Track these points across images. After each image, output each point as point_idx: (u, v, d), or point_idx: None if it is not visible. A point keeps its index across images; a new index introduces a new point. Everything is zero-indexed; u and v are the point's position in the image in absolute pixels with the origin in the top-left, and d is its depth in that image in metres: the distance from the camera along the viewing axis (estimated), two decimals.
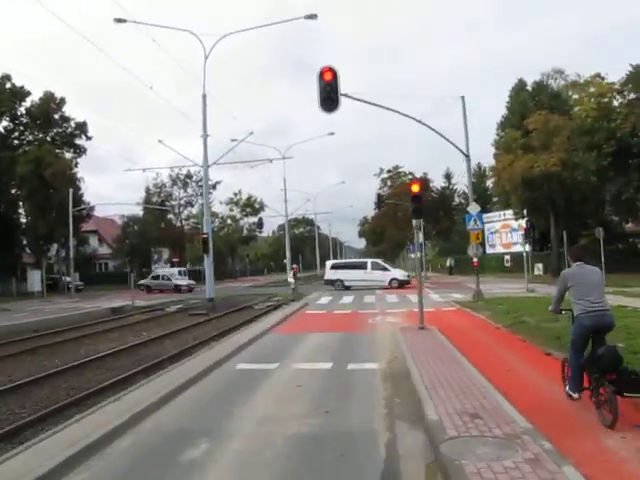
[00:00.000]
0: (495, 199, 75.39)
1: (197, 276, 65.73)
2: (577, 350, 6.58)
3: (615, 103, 40.86)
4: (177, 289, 43.79)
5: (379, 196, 49.70)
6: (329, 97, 15.97)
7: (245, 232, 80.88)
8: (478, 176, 76.56)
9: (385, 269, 39.22)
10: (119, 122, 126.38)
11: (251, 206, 78.56)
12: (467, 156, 24.42)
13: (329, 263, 42.15)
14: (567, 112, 44.26)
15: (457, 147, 23.36)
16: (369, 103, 19.53)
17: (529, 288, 28.76)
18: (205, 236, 24.51)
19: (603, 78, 44.97)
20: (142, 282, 46.31)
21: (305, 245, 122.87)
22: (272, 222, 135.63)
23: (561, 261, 37.97)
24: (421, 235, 58.51)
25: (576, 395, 6.60)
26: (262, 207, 76.98)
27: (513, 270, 50.51)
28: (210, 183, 52.06)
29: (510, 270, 50.63)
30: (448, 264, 55.00)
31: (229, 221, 76.09)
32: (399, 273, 41.00)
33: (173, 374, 9.23)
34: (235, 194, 77.36)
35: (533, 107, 48.20)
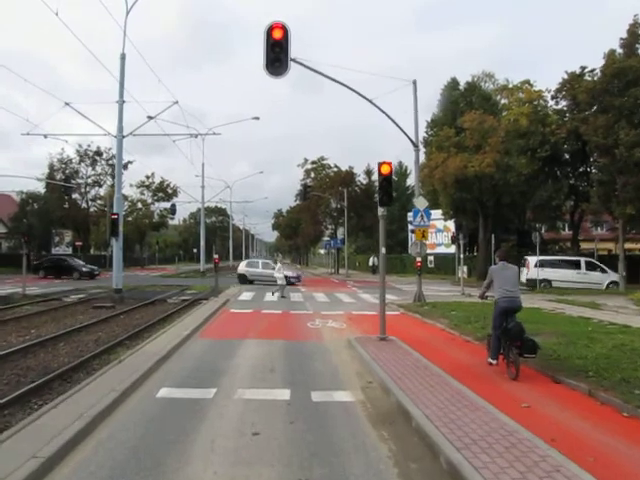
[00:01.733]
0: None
1: (101, 262, 60.79)
2: (496, 326, 9.04)
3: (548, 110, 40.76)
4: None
5: (305, 186, 47.22)
6: (277, 58, 13.35)
7: (156, 218, 75.92)
8: (399, 174, 76.10)
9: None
10: (20, 92, 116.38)
11: (164, 191, 73.64)
12: (416, 145, 22.36)
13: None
14: (496, 115, 43.82)
15: (407, 135, 21.22)
16: (319, 73, 16.85)
17: (464, 292, 27.42)
18: (115, 217, 20.97)
19: (532, 85, 45.14)
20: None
21: (216, 236, 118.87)
22: (183, 209, 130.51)
23: (487, 264, 37.05)
24: (343, 231, 57.17)
25: (494, 361, 9.10)
26: (175, 192, 72.42)
27: (436, 271, 49.75)
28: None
29: (433, 271, 49.79)
30: (371, 262, 53.20)
31: (139, 205, 70.88)
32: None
33: (58, 414, 6.00)
34: (147, 177, 72.20)
35: (465, 107, 47.56)
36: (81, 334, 12.73)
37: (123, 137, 22.10)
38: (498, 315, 9.01)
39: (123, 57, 21.75)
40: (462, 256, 30.40)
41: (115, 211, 21.36)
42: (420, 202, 21.44)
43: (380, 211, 12.05)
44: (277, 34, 13.24)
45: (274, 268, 27.35)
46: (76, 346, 11.09)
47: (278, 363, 9.67)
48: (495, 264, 9.82)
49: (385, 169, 11.78)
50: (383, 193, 11.77)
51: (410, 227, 21.98)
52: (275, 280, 25.50)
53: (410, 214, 59.71)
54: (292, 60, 13.95)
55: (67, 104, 22.61)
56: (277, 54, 13.33)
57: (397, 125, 20.87)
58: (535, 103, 43.52)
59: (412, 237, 55.56)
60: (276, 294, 24.33)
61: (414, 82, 22.67)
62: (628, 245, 49.75)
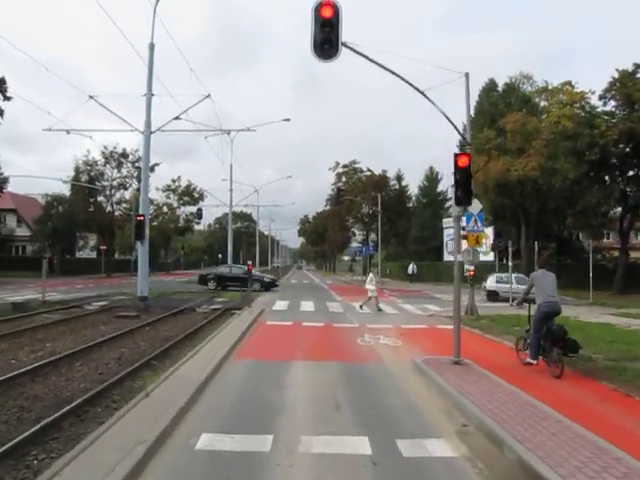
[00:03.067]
0: (449, 204, 72.88)
1: (125, 267, 59.59)
2: (537, 328, 9.70)
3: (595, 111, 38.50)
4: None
5: (339, 190, 45.38)
6: (327, 39, 11.46)
7: (182, 222, 74.77)
8: (430, 180, 73.93)
9: None
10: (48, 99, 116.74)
11: (190, 194, 72.51)
12: (468, 143, 20.34)
13: None
14: (537, 117, 41.67)
15: (459, 132, 19.18)
16: (371, 60, 15.01)
17: (512, 303, 25.28)
18: (141, 218, 19.31)
19: (573, 86, 42.88)
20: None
21: (242, 241, 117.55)
22: (209, 214, 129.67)
23: (529, 273, 34.80)
24: (374, 237, 55.12)
25: (535, 361, 9.76)
26: (201, 196, 71.13)
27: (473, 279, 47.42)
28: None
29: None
30: (410, 270, 50.47)
31: (165, 209, 69.79)
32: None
33: None
34: (173, 180, 71.16)
35: (504, 109, 45.47)
36: (102, 350, 11.00)
37: (151, 133, 20.50)
38: (540, 319, 9.70)
39: (152, 47, 20.20)
40: (511, 264, 28.11)
41: (141, 212, 19.73)
42: (474, 205, 19.41)
43: (455, 211, 10.20)
44: (327, 12, 11.41)
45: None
46: (95, 366, 9.35)
47: (341, 395, 7.82)
48: (535, 271, 10.34)
49: (463, 161, 9.92)
50: (461, 190, 9.86)
51: (467, 228, 19.90)
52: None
53: (445, 220, 57.89)
54: (343, 44, 12.20)
55: (91, 97, 21.07)
56: (327, 34, 11.48)
57: (449, 120, 18.96)
58: (577, 105, 41.56)
59: (449, 244, 53.67)
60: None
61: (466, 75, 20.49)
62: None
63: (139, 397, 6.78)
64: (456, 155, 10.10)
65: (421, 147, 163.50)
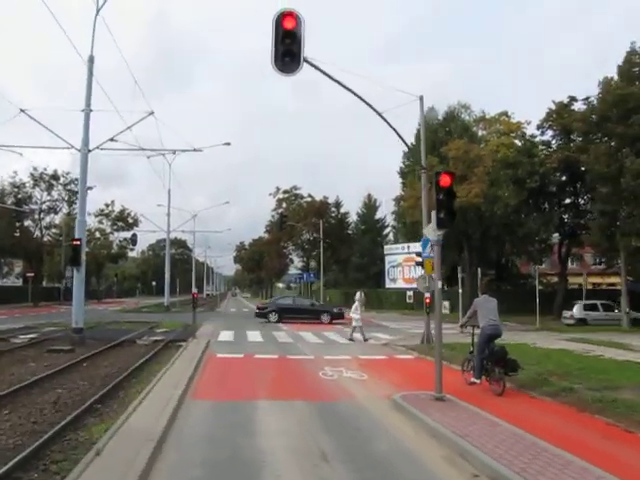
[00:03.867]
0: (387, 231, 73.29)
1: (54, 295, 56.29)
2: (481, 350, 10.33)
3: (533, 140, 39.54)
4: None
5: (282, 215, 44.43)
6: (289, 51, 10.70)
7: (115, 248, 71.75)
8: (368, 207, 74.25)
9: None
10: None
11: (124, 220, 69.82)
12: (424, 168, 19.97)
13: None
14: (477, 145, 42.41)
15: (418, 161, 18.85)
16: (331, 78, 14.29)
17: (464, 330, 24.91)
18: (77, 243, 17.70)
19: (509, 116, 44.11)
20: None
21: (177, 268, 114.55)
22: (144, 240, 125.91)
23: (472, 297, 34.83)
24: (315, 264, 54.15)
25: (478, 381, 10.34)
26: (136, 222, 68.66)
27: (415, 307, 47.23)
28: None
29: (412, 307, 47.30)
30: (358, 297, 49.02)
31: (97, 234, 66.78)
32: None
33: None
34: (107, 205, 68.31)
35: (444, 136, 46.05)
36: (33, 392, 9.50)
37: (89, 151, 19.02)
38: (484, 341, 10.35)
39: (91, 60, 18.84)
40: (460, 291, 27.86)
41: (77, 236, 18.07)
42: (431, 230, 18.88)
43: (436, 235, 9.41)
44: (289, 23, 10.66)
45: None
46: (26, 413, 7.91)
47: (324, 442, 6.77)
48: (478, 297, 10.94)
49: (445, 180, 9.23)
50: (443, 211, 9.15)
51: (423, 255, 19.30)
52: None
53: (387, 247, 57.91)
54: (305, 60, 11.45)
55: (22, 111, 19.44)
56: (288, 46, 10.68)
57: (404, 141, 18.54)
58: (513, 134, 42.69)
59: (390, 271, 53.57)
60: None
61: (421, 98, 20.32)
62: (594, 279, 48.77)
63: (88, 457, 5.49)
64: (437, 174, 9.45)
65: (360, 175, 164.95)
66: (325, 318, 31.21)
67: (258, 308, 34.45)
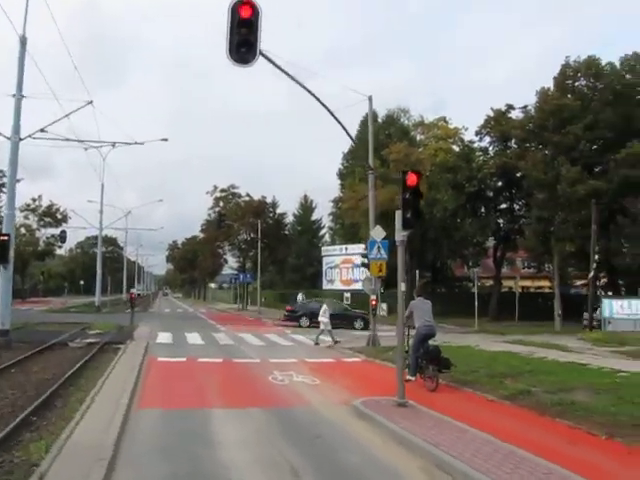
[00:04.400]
0: (323, 232, 73.30)
1: None
2: (416, 349, 11.06)
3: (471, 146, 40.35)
4: None
5: (220, 214, 43.43)
6: (245, 41, 10.24)
7: (42, 246, 68.42)
8: (304, 208, 74.11)
9: None
10: None
11: (52, 216, 66.65)
12: (372, 169, 19.90)
13: None
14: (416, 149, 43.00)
15: (366, 162, 18.65)
16: (285, 73, 13.80)
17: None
18: (5, 238, 16.44)
19: (447, 122, 45.03)
20: None
21: (106, 266, 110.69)
22: (72, 237, 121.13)
23: (409, 300, 35.08)
24: (251, 265, 53.33)
25: (413, 378, 11.03)
26: (65, 218, 65.68)
27: (353, 308, 47.16)
28: (5, 179, 41.64)
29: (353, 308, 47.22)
30: (300, 299, 47.57)
31: (23, 230, 63.39)
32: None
33: None
34: (33, 199, 64.94)
35: (384, 139, 46.39)
36: None
37: (20, 140, 17.75)
38: (419, 340, 11.08)
39: (24, 41, 17.62)
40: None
41: (5, 231, 16.81)
42: (377, 232, 18.73)
43: (401, 235, 9.08)
44: (245, 12, 10.17)
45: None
46: None
47: (290, 454, 6.30)
48: (414, 299, 11.68)
49: (412, 179, 8.91)
50: (409, 211, 8.84)
51: (369, 256, 19.05)
52: None
53: (324, 248, 57.70)
54: (261, 54, 10.96)
55: None
56: (244, 36, 10.21)
57: (351, 138, 18.43)
58: (450, 140, 43.56)
59: (327, 272, 53.35)
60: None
61: (370, 98, 20.36)
62: (523, 283, 50.28)
63: None
64: (404, 173, 9.13)
65: (295, 176, 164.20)
66: (358, 324, 29.84)
67: (288, 311, 32.35)
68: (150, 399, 9.27)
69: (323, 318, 20.90)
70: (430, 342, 11.24)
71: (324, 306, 21.70)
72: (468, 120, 43.82)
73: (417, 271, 36.96)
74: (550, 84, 31.01)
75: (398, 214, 9.02)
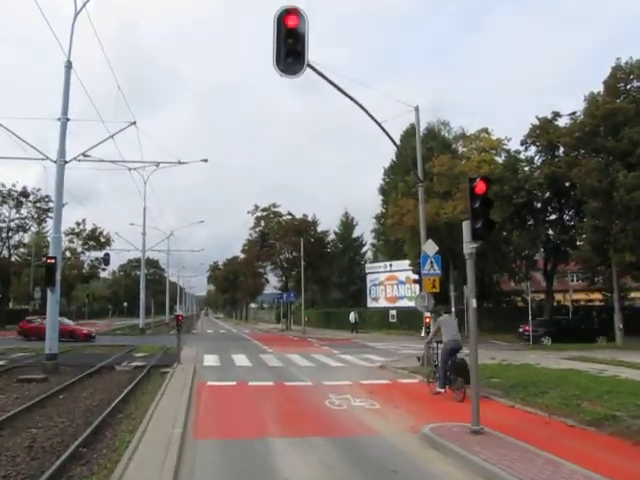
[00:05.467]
0: (365, 249, 72.45)
1: (22, 318, 53.80)
2: (444, 362, 11.81)
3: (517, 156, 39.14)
4: None
5: (263, 234, 43.16)
6: (293, 51, 9.82)
7: (86, 268, 69.50)
8: (345, 225, 73.53)
9: None
10: None
11: (96, 239, 67.84)
12: (421, 181, 19.18)
13: None
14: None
15: (414, 171, 17.99)
16: (332, 84, 13.30)
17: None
18: (52, 261, 16.29)
19: (489, 133, 43.89)
20: None
21: (148, 289, 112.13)
22: (118, 259, 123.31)
23: (460, 317, 33.87)
24: (294, 284, 52.75)
25: (442, 390, 11.78)
26: (108, 241, 66.75)
27: (399, 326, 46.12)
28: (51, 204, 42.36)
29: (396, 326, 46.21)
30: (353, 319, 46.45)
31: (68, 254, 64.52)
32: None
33: None
34: (78, 223, 66.27)
35: (426, 153, 45.55)
36: (2, 435, 8.09)
37: (65, 163, 17.68)
38: (447, 354, 11.81)
39: (69, 66, 17.61)
40: (453, 309, 26.88)
41: (52, 254, 16.64)
42: (430, 246, 17.98)
43: (469, 247, 8.32)
44: (291, 21, 9.77)
45: None
46: None
47: None
48: (442, 316, 12.71)
49: (480, 187, 8.17)
50: (479, 221, 8.09)
51: (422, 272, 18.17)
52: None
53: (369, 265, 56.98)
54: (308, 65, 10.53)
55: None
56: (291, 46, 9.79)
57: (397, 147, 17.72)
58: (493, 151, 42.41)
59: (372, 290, 52.51)
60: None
61: (416, 108, 19.65)
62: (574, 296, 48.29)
63: None
64: (471, 180, 8.37)
65: (337, 195, 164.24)
66: (601, 339, 28.29)
67: (526, 330, 29.28)
68: (205, 428, 8.68)
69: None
70: (458, 355, 11.92)
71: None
72: (508, 131, 42.73)
73: (465, 287, 35.79)
74: (598, 88, 29.83)
75: (466, 225, 8.29)
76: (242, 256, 71.27)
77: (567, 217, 38.04)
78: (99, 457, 6.81)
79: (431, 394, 12.14)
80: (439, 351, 12.55)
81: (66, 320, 35.42)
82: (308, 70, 10.67)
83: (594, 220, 27.97)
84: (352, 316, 45.74)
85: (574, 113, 31.76)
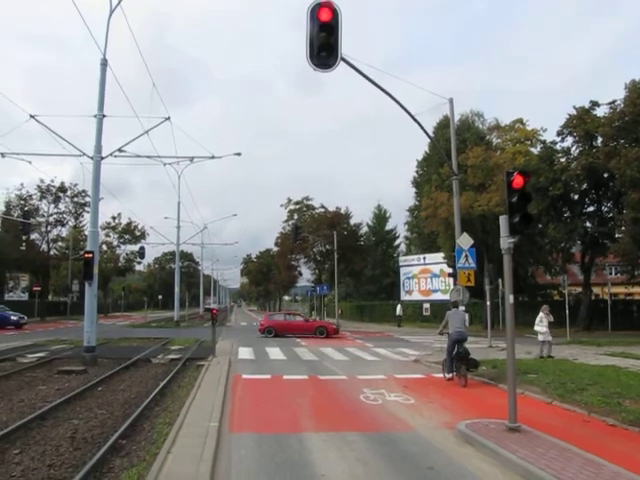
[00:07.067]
0: (398, 242, 72.08)
1: (60, 310, 55.20)
2: (450, 351, 13.33)
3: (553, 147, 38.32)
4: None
5: (296, 227, 43.25)
6: (326, 45, 9.79)
7: (122, 262, 70.72)
8: (379, 218, 73.19)
9: None
10: None
11: (131, 232, 68.95)
12: (456, 174, 18.94)
13: None
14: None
15: (448, 163, 17.76)
16: (366, 77, 13.21)
17: (492, 344, 23.66)
18: (90, 255, 16.60)
19: (524, 123, 43.01)
20: None
21: (182, 281, 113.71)
22: (154, 252, 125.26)
23: (495, 311, 33.45)
24: (327, 276, 52.80)
25: (449, 375, 13.41)
26: (143, 235, 67.81)
27: (432, 320, 45.84)
28: (88, 199, 43.14)
29: (429, 320, 45.92)
30: (399, 311, 46.25)
31: (104, 247, 65.75)
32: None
33: None
34: (113, 217, 67.43)
35: (459, 145, 44.95)
36: (46, 424, 8.34)
37: (102, 158, 17.98)
38: (452, 344, 13.28)
39: (104, 63, 17.87)
40: (488, 303, 26.50)
41: (89, 248, 16.99)
42: (465, 240, 17.79)
43: (507, 242, 8.17)
44: (325, 15, 9.75)
45: None
46: (40, 453, 6.72)
47: None
48: (449, 310, 14.32)
49: (518, 181, 8.01)
50: (517, 215, 7.95)
51: (457, 265, 18.00)
52: None
53: (402, 258, 56.69)
54: (342, 59, 10.50)
55: (32, 117, 18.47)
56: (325, 40, 9.75)
57: (431, 139, 17.50)
58: (528, 142, 41.57)
59: (405, 283, 52.22)
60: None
61: (450, 100, 19.37)
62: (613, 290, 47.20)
63: None
64: (509, 174, 8.22)
65: (370, 187, 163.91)
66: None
67: None
68: (241, 422, 8.75)
69: (540, 327, 18.81)
70: (464, 345, 13.34)
71: (540, 313, 19.20)
72: (541, 121, 41.86)
73: (499, 280, 35.28)
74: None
75: (503, 219, 8.15)
76: (275, 249, 71.71)
77: (605, 209, 37.22)
78: (138, 449, 6.94)
79: (460, 387, 12.81)
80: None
81: None
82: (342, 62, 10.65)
83: (634, 212, 27.28)
84: (399, 309, 45.14)
85: (614, 102, 30.97)
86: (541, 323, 18.72)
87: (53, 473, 5.95)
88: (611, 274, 46.02)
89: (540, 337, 18.64)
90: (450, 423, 8.67)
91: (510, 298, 8.24)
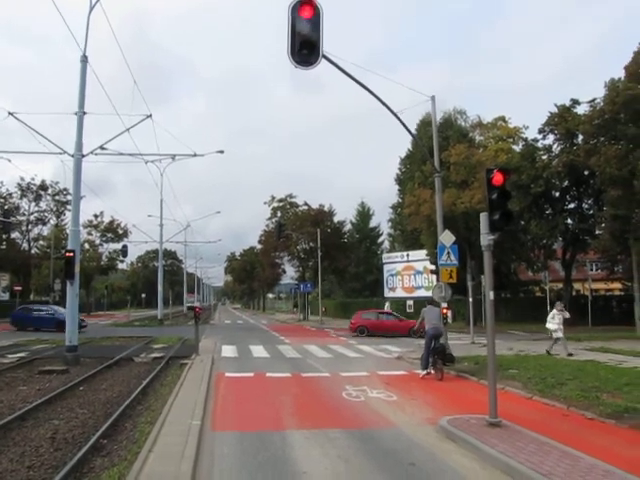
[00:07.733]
0: (382, 239, 72.31)
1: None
2: (427, 346, 13.74)
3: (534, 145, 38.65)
4: None
5: (280, 225, 43.19)
6: (307, 42, 9.76)
7: (104, 260, 70.15)
8: (362, 215, 73.38)
9: None
10: None
11: (113, 231, 68.40)
12: (438, 171, 19.03)
13: None
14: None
15: (431, 160, 17.82)
16: (348, 75, 13.21)
17: (475, 340, 23.92)
18: (71, 254, 16.45)
19: (506, 121, 43.33)
20: None
21: (166, 279, 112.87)
22: (137, 250, 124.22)
23: (477, 307, 33.65)
24: (311, 274, 52.81)
25: (424, 372, 13.71)
26: (126, 233, 67.29)
27: (415, 316, 45.91)
28: (69, 197, 42.69)
29: (412, 317, 45.97)
30: (387, 308, 45.83)
31: (87, 246, 65.16)
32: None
33: None
34: (95, 216, 66.83)
35: (442, 142, 45.13)
36: (26, 425, 8.27)
37: (83, 156, 17.80)
38: (429, 339, 13.73)
39: (84, 60, 17.64)
40: (471, 300, 26.71)
41: (71, 247, 16.79)
42: (447, 237, 17.87)
43: (487, 239, 8.25)
44: (306, 12, 9.71)
45: None
46: (20, 454, 6.66)
47: None
48: (425, 307, 14.92)
49: (497, 178, 8.10)
50: (497, 213, 8.02)
51: (439, 262, 18.10)
52: None
53: (385, 255, 56.82)
54: (323, 56, 10.46)
55: (11, 114, 18.24)
56: (306, 37, 9.75)
57: (413, 137, 17.58)
58: (511, 140, 41.91)
59: (389, 280, 52.35)
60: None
61: (432, 98, 19.44)
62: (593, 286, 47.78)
63: None
64: (489, 172, 8.29)
65: (353, 185, 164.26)
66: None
67: None
68: (223, 420, 8.74)
69: (551, 325, 18.66)
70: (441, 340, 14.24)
71: (553, 310, 19.08)
72: (522, 119, 42.25)
73: (482, 276, 35.51)
74: (619, 74, 29.26)
75: (483, 216, 8.22)
76: (259, 247, 71.61)
77: (586, 206, 37.70)
78: (119, 449, 6.91)
79: (442, 383, 13.18)
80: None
81: None
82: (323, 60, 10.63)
83: (614, 209, 27.62)
84: (387, 306, 45.09)
85: (593, 100, 31.23)
86: (553, 320, 18.63)
87: (32, 474, 5.90)
88: (592, 270, 46.46)
89: (554, 335, 18.55)
90: (432, 419, 8.75)
91: (490, 294, 8.29)
